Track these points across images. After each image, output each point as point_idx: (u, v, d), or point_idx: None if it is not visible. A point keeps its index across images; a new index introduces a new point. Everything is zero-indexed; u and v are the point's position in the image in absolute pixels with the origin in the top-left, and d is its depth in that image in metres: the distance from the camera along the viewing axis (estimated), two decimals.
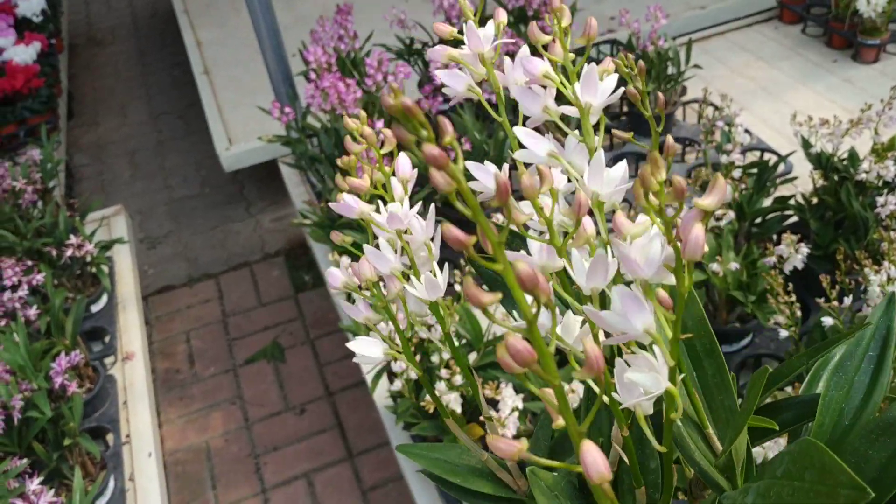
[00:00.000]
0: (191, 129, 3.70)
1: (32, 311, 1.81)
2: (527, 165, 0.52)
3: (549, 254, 0.45)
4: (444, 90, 0.54)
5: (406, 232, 0.52)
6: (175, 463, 2.24)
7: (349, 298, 0.57)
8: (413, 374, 1.45)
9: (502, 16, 0.54)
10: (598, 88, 0.49)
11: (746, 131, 2.11)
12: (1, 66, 3.16)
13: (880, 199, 1.57)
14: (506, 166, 0.50)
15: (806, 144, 1.79)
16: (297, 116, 2.16)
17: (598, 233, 0.47)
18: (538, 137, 0.50)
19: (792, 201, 1.80)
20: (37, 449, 1.62)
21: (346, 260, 1.55)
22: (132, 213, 3.19)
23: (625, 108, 2.42)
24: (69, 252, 1.98)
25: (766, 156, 2.18)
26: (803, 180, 1.93)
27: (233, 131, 2.75)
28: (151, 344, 2.61)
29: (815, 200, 1.79)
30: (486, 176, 0.51)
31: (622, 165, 0.48)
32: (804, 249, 1.52)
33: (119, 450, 1.80)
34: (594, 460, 0.32)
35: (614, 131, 0.52)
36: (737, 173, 1.75)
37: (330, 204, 0.53)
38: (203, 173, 3.42)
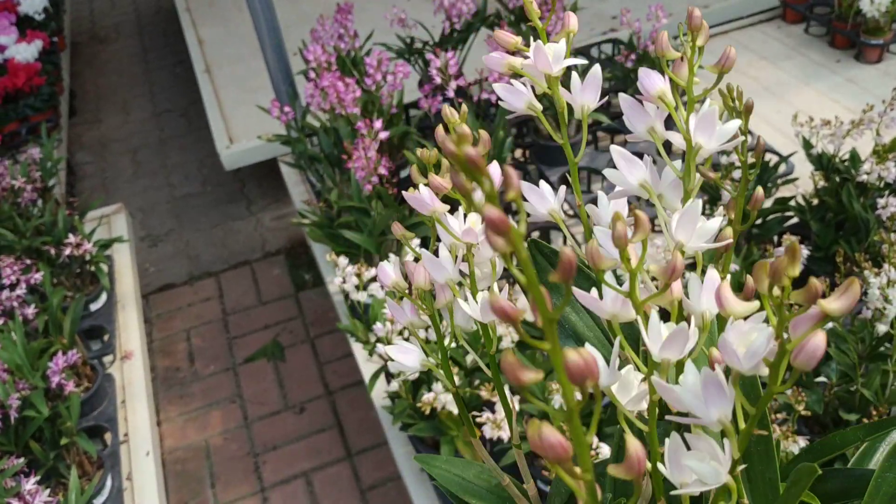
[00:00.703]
0: (193, 126, 3.70)
1: (30, 310, 1.81)
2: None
3: (623, 305, 0.41)
4: (500, 103, 0.51)
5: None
6: (174, 461, 2.24)
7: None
8: (411, 376, 1.44)
9: (573, 22, 0.49)
10: (716, 131, 0.45)
11: (748, 131, 2.10)
12: (3, 65, 3.16)
13: (881, 201, 1.56)
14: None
15: (807, 145, 1.78)
16: (297, 115, 2.16)
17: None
18: (634, 161, 0.46)
19: (793, 202, 1.79)
20: (34, 448, 1.62)
21: (343, 260, 1.54)
22: (134, 211, 3.19)
23: None
24: (67, 251, 1.97)
25: (768, 156, 2.17)
26: (804, 181, 1.92)
27: (233, 130, 2.75)
28: (152, 342, 2.61)
29: (815, 201, 1.78)
30: (539, 199, 0.48)
31: (717, 221, 0.44)
32: (804, 251, 1.51)
33: (117, 449, 1.80)
34: None
35: (701, 170, 0.46)
36: (737, 174, 1.74)
37: (405, 194, 0.49)
38: (205, 171, 3.42)
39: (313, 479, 2.14)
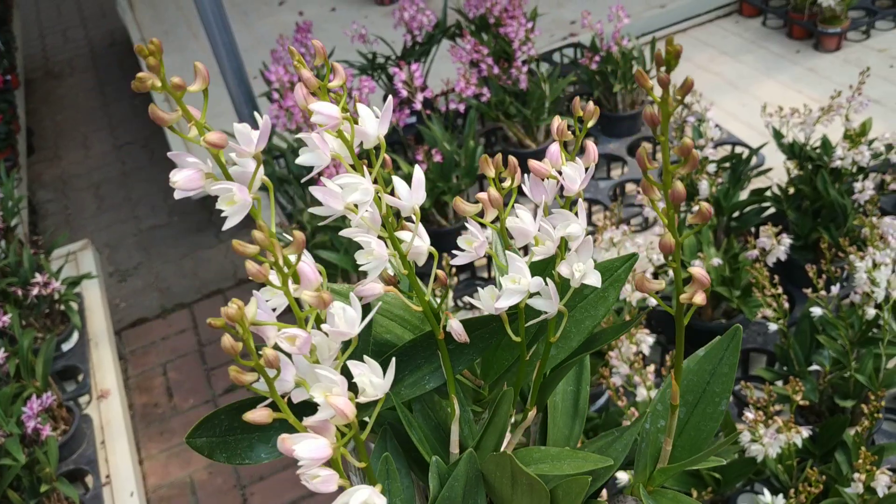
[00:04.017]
0: (155, 157, 3.64)
1: (0, 354, 1.75)
2: None
3: None
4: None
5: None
6: (159, 499, 2.18)
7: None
8: None
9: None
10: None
11: (717, 126, 2.11)
12: None
13: (857, 185, 1.57)
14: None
15: (778, 135, 1.78)
16: None
17: None
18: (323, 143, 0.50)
19: (768, 193, 1.79)
20: (12, 497, 1.56)
21: None
22: (100, 247, 3.12)
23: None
24: (35, 291, 1.92)
25: (738, 149, 2.17)
26: (777, 171, 1.93)
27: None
28: (128, 379, 2.55)
29: (791, 190, 1.78)
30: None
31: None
32: (786, 240, 1.50)
33: (99, 491, 1.75)
34: None
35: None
36: (711, 168, 1.74)
37: None
38: (170, 202, 3.36)
39: None
